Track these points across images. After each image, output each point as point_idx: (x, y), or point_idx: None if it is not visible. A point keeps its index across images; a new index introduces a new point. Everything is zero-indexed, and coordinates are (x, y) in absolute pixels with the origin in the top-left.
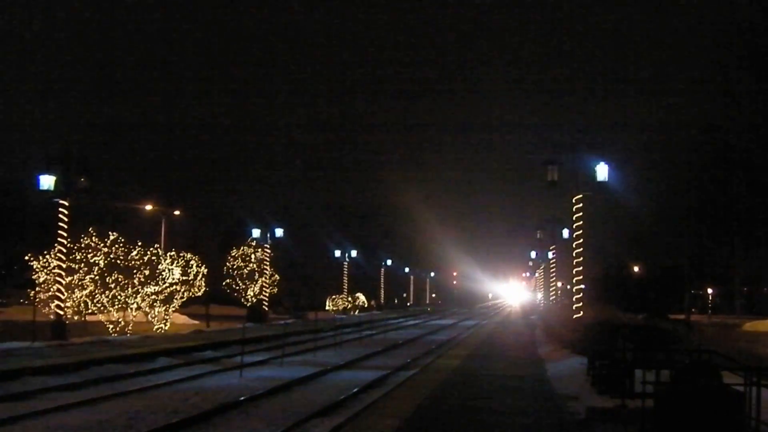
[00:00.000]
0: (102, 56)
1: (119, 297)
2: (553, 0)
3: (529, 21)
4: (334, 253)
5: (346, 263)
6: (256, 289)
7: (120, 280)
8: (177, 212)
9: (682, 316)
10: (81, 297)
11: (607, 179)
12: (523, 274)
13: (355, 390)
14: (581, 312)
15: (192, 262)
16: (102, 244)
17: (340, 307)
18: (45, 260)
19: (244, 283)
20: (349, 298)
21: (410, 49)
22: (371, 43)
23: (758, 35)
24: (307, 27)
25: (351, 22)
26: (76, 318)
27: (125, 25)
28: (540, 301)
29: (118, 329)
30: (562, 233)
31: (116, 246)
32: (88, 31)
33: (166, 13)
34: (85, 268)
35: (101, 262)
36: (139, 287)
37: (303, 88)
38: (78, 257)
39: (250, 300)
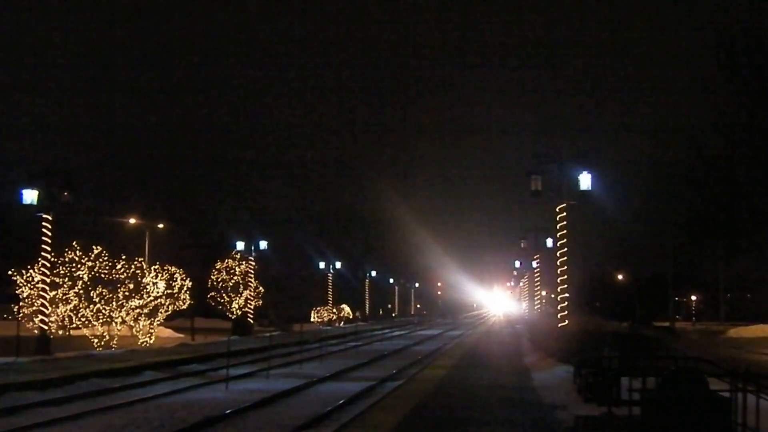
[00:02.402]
0: (86, 69)
1: (104, 311)
2: (542, 10)
3: (519, 30)
4: (318, 265)
5: (330, 275)
6: (240, 301)
7: (104, 294)
8: (160, 225)
9: (666, 324)
10: (65, 311)
11: (590, 188)
12: (508, 284)
13: (341, 402)
14: (566, 321)
15: (176, 275)
16: (86, 258)
17: (325, 319)
18: (28, 275)
19: (229, 296)
20: (334, 310)
21: (397, 60)
22: (360, 48)
23: (742, 47)
24: (296, 31)
25: (341, 24)
26: (60, 332)
27: (113, 37)
28: (524, 310)
29: (102, 343)
30: (546, 242)
31: (100, 260)
32: (72, 45)
33: (156, 21)
34: (69, 283)
35: (85, 276)
36: (124, 301)
37: (289, 95)
38: (62, 271)
39: (235, 312)
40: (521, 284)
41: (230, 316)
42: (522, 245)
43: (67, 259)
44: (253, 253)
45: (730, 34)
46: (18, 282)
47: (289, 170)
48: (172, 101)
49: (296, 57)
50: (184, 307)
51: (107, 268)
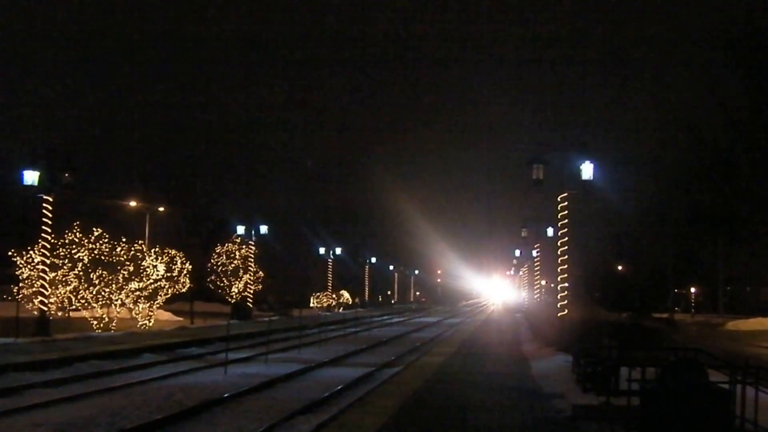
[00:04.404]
0: (88, 49)
1: (103, 293)
2: (546, 6)
3: (519, 20)
4: (318, 251)
5: (330, 260)
6: (240, 285)
7: (104, 276)
8: (161, 208)
9: (665, 315)
10: (65, 293)
11: (592, 178)
12: (508, 272)
13: (340, 387)
14: (566, 310)
15: (176, 258)
16: (86, 240)
17: (325, 305)
18: (28, 256)
19: (229, 280)
20: (334, 296)
21: (396, 47)
22: (358, 38)
23: (747, 38)
24: (296, 27)
25: (341, 22)
26: (59, 314)
27: (115, 19)
28: (524, 299)
29: (102, 325)
30: (546, 231)
31: (100, 242)
32: (74, 24)
33: (158, 8)
34: (69, 264)
35: (85, 258)
36: (124, 283)
37: (289, 85)
38: (62, 253)
39: (234, 297)
40: (521, 273)
41: (230, 300)
42: (522, 234)
43: (67, 241)
44: (254, 238)
45: (733, 26)
46: (18, 263)
47: (290, 158)
48: (173, 87)
49: (298, 52)
50: (184, 290)
51: (107, 250)
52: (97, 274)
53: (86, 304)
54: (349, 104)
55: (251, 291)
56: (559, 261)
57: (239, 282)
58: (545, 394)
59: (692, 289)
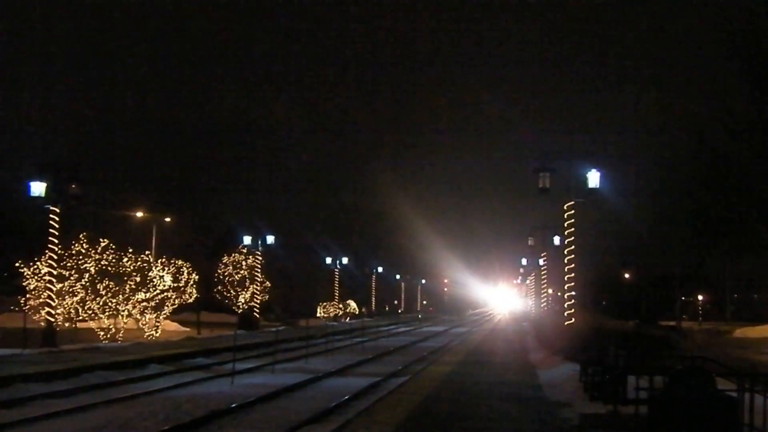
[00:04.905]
0: (93, 61)
1: (110, 304)
2: (547, 6)
3: (523, 26)
4: (325, 260)
5: (337, 270)
6: (247, 296)
7: (111, 286)
8: (168, 219)
9: (672, 323)
10: (72, 304)
11: (598, 186)
12: (515, 281)
13: (347, 397)
14: (573, 319)
15: (183, 269)
16: (93, 251)
17: (331, 314)
18: (36, 267)
19: (236, 290)
20: (340, 305)
21: (401, 55)
22: (362, 46)
23: (750, 40)
24: (297, 29)
25: (342, 22)
26: (66, 325)
27: (118, 28)
28: (530, 307)
29: (109, 336)
30: (553, 240)
31: (107, 253)
32: (80, 36)
33: (158, 16)
34: (76, 275)
35: (92, 269)
36: (130, 294)
37: (293, 92)
38: (69, 264)
39: (241, 307)
40: (528, 282)
41: (236, 310)
42: (529, 242)
43: (74, 252)
44: (260, 248)
45: (736, 28)
46: (25, 274)
47: (295, 167)
48: (178, 96)
49: (300, 54)
50: (191, 300)
51: (114, 261)
52: (104, 284)
53: (93, 315)
54: (351, 109)
55: (258, 301)
56: (565, 269)
57: (246, 292)
58: (553, 403)
59: (699, 297)
